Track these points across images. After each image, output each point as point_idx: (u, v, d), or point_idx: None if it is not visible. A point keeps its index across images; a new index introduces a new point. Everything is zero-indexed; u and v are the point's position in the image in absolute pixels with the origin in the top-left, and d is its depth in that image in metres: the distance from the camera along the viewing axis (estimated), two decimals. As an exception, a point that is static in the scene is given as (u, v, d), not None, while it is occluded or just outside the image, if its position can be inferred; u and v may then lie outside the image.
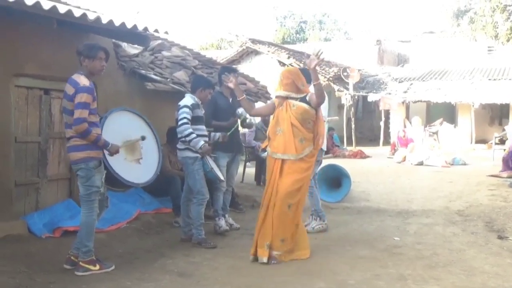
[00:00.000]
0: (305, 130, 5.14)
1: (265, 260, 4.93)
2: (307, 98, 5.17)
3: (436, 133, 18.82)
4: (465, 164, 14.06)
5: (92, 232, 4.62)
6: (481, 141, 18.66)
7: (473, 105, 18.24)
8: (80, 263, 4.54)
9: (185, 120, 5.55)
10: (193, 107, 5.66)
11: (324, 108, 6.31)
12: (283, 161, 5.10)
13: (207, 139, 5.83)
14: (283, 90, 5.21)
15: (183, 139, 5.61)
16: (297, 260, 5.03)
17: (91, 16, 5.32)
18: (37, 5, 4.71)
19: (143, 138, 5.76)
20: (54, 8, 4.87)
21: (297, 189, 5.10)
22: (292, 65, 19.55)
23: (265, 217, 5.07)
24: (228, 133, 6.17)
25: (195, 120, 5.65)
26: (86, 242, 4.56)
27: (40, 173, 5.94)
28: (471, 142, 18.79)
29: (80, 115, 4.39)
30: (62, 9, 5.00)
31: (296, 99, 5.18)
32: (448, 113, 20.28)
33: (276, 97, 5.31)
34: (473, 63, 21.25)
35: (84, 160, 4.51)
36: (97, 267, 4.57)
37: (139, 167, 6.11)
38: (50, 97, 6.01)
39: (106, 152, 4.78)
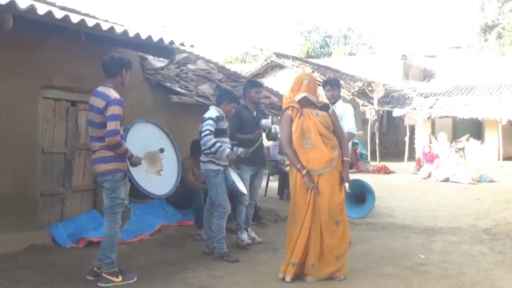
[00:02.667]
0: (332, 136, 4.87)
1: (288, 279, 4.69)
2: (330, 112, 4.93)
3: (462, 149, 18.54)
4: (492, 181, 13.79)
5: (115, 243, 4.64)
6: (509, 158, 18.31)
7: (500, 121, 17.94)
8: (103, 274, 4.55)
9: (207, 132, 5.56)
10: (217, 120, 5.67)
11: (351, 119, 6.25)
12: (319, 176, 4.76)
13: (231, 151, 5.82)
14: (311, 94, 4.86)
15: (208, 150, 5.61)
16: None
17: (119, 30, 5.39)
18: (66, 18, 4.79)
19: (161, 150, 5.78)
20: (82, 21, 4.96)
21: (341, 203, 4.82)
22: (317, 80, 19.58)
23: (300, 237, 4.75)
24: (251, 150, 6.10)
25: (219, 133, 5.66)
26: (109, 254, 4.57)
27: (65, 184, 6.01)
28: (499, 159, 18.45)
29: (115, 127, 4.42)
30: (90, 22, 5.08)
31: (316, 107, 4.90)
32: (475, 129, 19.98)
33: (298, 102, 4.88)
34: (501, 78, 20.90)
35: (111, 172, 4.54)
36: (120, 278, 4.57)
37: (160, 179, 6.13)
38: (77, 109, 6.10)
39: (127, 163, 4.81)
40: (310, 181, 4.70)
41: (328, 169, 4.76)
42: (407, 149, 19.71)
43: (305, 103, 4.89)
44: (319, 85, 5.20)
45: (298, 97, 4.88)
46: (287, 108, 4.94)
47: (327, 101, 5.05)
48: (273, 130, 6.38)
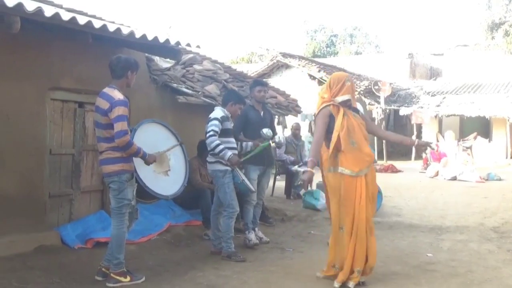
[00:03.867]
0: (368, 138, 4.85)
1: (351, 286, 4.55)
2: (360, 114, 4.92)
3: (470, 147, 18.49)
4: (500, 179, 13.75)
5: (123, 244, 4.66)
6: (517, 156, 18.24)
7: (508, 119, 17.87)
8: (111, 274, 4.58)
9: (212, 133, 5.57)
10: (222, 120, 5.69)
11: None
12: (365, 176, 4.63)
13: (236, 151, 5.84)
14: (352, 96, 4.76)
15: (212, 151, 5.63)
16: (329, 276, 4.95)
17: (125, 31, 5.41)
18: (73, 20, 4.82)
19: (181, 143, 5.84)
20: (89, 23, 4.98)
21: (374, 201, 4.83)
22: (323, 79, 19.54)
23: (355, 242, 4.57)
24: (262, 145, 6.10)
25: (224, 133, 5.67)
26: (117, 255, 4.59)
27: (73, 185, 6.04)
28: (507, 157, 18.38)
29: (122, 127, 4.43)
30: (97, 24, 5.10)
31: (350, 108, 4.77)
32: (482, 127, 19.89)
33: (340, 103, 4.68)
34: (508, 76, 20.82)
35: (118, 173, 4.56)
36: (128, 278, 4.59)
37: (167, 179, 6.15)
38: (84, 110, 6.13)
39: (141, 161, 4.81)
40: (309, 180, 4.46)
41: (369, 168, 4.71)
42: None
43: (343, 104, 4.72)
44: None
45: (341, 98, 4.67)
46: (328, 105, 4.71)
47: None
48: (277, 140, 6.32)
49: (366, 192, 4.61)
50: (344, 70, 22.32)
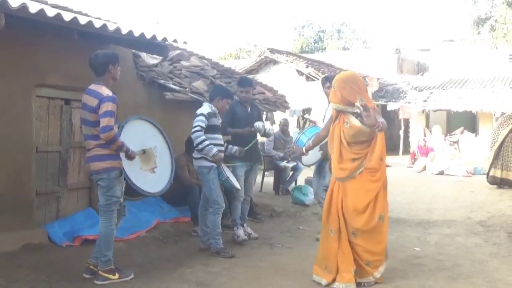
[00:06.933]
0: (357, 148, 4.58)
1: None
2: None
3: (456, 142, 18.58)
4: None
5: (111, 241, 4.64)
6: (503, 150, 18.35)
7: (494, 114, 18.00)
8: (100, 272, 4.56)
9: (198, 128, 5.56)
10: (209, 116, 5.67)
11: None
12: (342, 183, 4.61)
13: (222, 148, 5.83)
14: (338, 103, 4.56)
15: (197, 147, 5.62)
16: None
17: (111, 27, 5.37)
18: (58, 16, 4.77)
19: (144, 151, 5.72)
20: (75, 19, 4.94)
21: (360, 214, 4.54)
22: (310, 75, 19.55)
23: (338, 242, 4.56)
24: (246, 148, 6.11)
25: (211, 129, 5.66)
26: (105, 252, 4.57)
27: (60, 182, 6.00)
28: (493, 151, 18.49)
29: (108, 123, 4.41)
30: (82, 20, 5.06)
31: (352, 113, 4.55)
32: (469, 122, 20.04)
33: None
34: (494, 71, 20.97)
35: (106, 170, 4.53)
36: (116, 276, 4.58)
37: (153, 176, 6.13)
38: (70, 107, 6.09)
39: (122, 156, 4.78)
40: (297, 151, 5.43)
41: (348, 178, 4.58)
42: (401, 143, 19.76)
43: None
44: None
45: (333, 106, 4.71)
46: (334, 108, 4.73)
47: (373, 105, 4.60)
48: (267, 131, 6.40)
49: (344, 202, 4.58)
50: (332, 66, 22.39)
